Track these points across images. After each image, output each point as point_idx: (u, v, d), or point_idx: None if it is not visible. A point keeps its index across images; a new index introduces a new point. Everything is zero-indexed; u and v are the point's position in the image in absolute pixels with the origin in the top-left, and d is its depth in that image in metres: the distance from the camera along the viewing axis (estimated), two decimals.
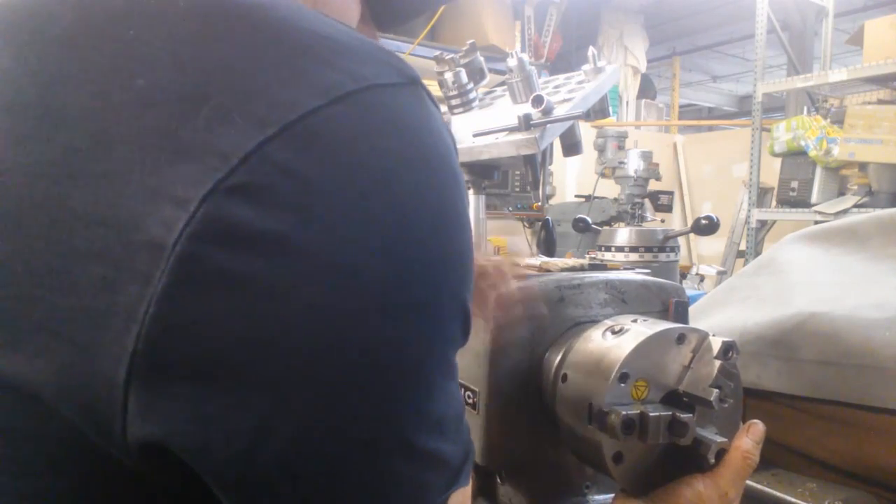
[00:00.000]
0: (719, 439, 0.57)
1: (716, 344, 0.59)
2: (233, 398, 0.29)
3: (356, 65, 0.33)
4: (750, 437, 0.58)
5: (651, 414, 0.55)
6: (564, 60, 5.65)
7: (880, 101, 4.03)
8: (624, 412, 0.55)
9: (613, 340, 0.60)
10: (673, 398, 0.59)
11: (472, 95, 1.01)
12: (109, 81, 0.31)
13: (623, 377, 0.57)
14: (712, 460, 0.56)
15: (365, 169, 0.31)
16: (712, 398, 0.57)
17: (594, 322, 0.73)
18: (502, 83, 1.03)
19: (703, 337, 0.60)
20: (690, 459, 0.58)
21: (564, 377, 0.63)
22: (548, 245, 3.02)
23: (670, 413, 0.56)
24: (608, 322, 0.64)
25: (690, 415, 0.56)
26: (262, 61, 0.31)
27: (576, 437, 0.61)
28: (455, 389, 0.37)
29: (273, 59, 0.31)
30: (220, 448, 0.30)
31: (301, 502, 0.32)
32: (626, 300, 0.76)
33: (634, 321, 0.63)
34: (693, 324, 0.69)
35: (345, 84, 0.32)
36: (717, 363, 0.58)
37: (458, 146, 0.97)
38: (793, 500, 0.80)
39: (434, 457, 0.34)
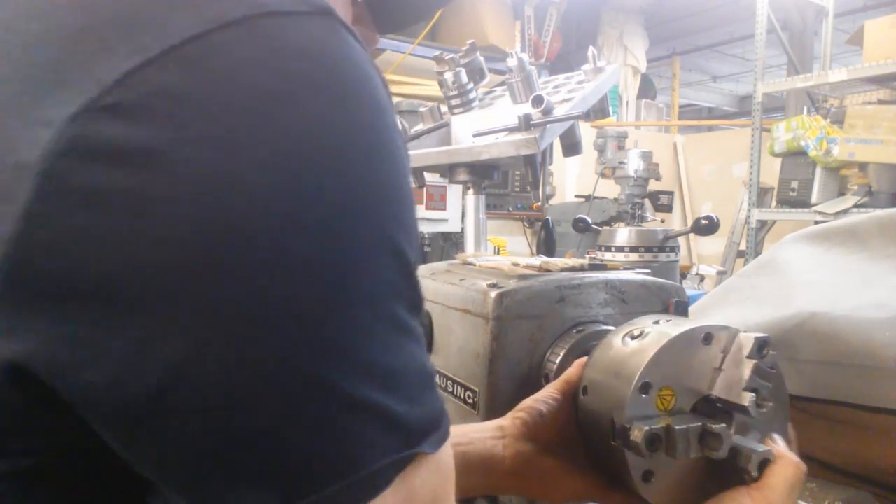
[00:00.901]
0: (761, 448, 0.51)
1: (747, 341, 0.53)
2: (102, 319, 0.28)
3: None
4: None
5: (677, 427, 0.50)
6: (564, 60, 5.65)
7: (880, 101, 4.03)
8: (647, 427, 0.50)
9: (633, 345, 0.54)
10: (705, 405, 0.54)
11: (472, 95, 1.01)
12: (8, 30, 0.32)
13: (644, 387, 0.51)
14: (755, 473, 0.50)
15: (254, 88, 0.30)
16: (748, 403, 0.51)
17: (594, 322, 0.73)
18: (502, 83, 1.03)
19: (733, 335, 0.54)
20: (731, 473, 0.52)
21: (585, 390, 0.58)
22: (548, 245, 3.02)
23: (700, 424, 0.51)
24: (627, 326, 0.58)
25: (723, 424, 0.51)
26: None
27: (600, 455, 0.56)
28: (416, 349, 0.35)
29: None
30: (89, 372, 0.29)
31: (187, 437, 0.29)
32: (626, 300, 0.76)
33: (656, 322, 0.57)
34: None
35: (237, 10, 0.31)
36: (751, 363, 0.52)
37: (458, 146, 0.97)
38: None
39: (376, 410, 0.31)
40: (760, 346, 0.52)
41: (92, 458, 0.33)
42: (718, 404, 0.53)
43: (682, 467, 0.53)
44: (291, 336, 0.30)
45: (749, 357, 0.52)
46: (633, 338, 0.55)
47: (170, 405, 0.29)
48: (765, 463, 0.51)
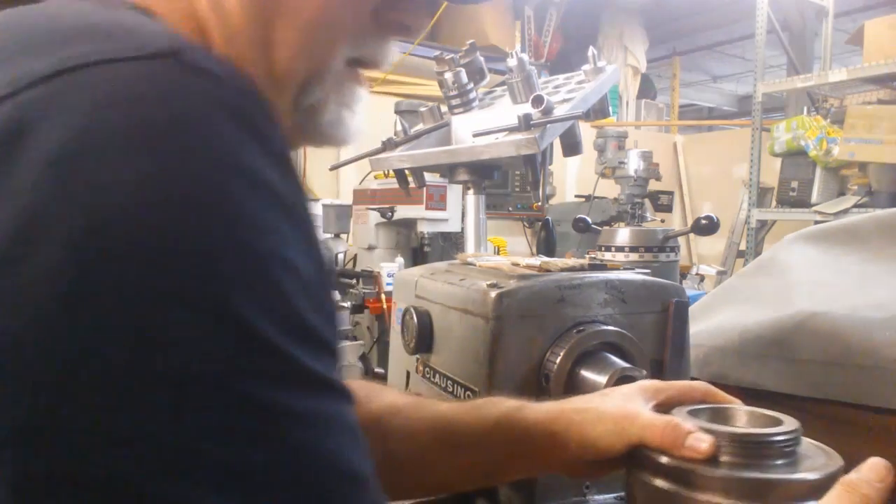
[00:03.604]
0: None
1: None
2: None
3: (74, 45, 0.30)
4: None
5: None
6: (564, 60, 5.64)
7: (880, 101, 4.02)
8: None
9: None
10: None
11: (472, 95, 1.01)
12: None
13: None
14: None
15: (49, 151, 0.28)
16: None
17: (594, 322, 0.73)
18: (502, 83, 1.03)
19: None
20: None
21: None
22: (548, 245, 3.02)
23: None
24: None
25: None
26: None
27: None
28: (304, 435, 0.30)
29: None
30: None
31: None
32: (626, 300, 0.76)
33: None
34: (693, 324, 0.67)
35: (48, 66, 0.29)
36: None
37: (458, 146, 0.97)
38: None
39: None
40: None
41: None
42: None
43: None
44: (80, 429, 0.26)
45: None
46: None
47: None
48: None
